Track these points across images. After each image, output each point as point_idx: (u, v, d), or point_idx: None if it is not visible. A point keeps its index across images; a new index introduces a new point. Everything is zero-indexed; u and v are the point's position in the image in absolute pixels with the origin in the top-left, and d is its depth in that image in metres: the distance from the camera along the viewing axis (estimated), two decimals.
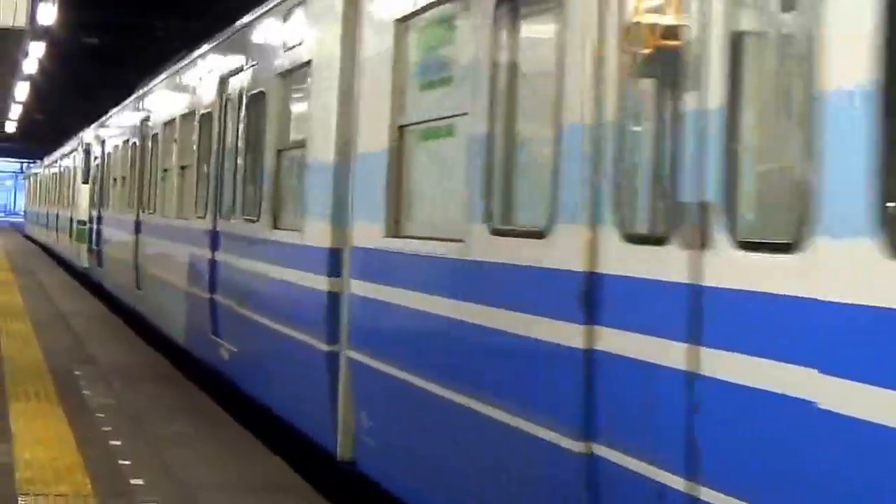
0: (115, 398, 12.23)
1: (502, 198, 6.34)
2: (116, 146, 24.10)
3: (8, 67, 30.62)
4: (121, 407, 11.73)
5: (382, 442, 7.94)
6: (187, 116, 15.79)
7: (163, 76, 18.92)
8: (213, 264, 13.07)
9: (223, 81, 13.37)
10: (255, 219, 11.24)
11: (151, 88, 20.07)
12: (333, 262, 8.76)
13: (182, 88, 16.62)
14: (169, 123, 17.55)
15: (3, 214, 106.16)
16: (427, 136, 7.74)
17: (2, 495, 8.10)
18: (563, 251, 5.50)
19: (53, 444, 9.70)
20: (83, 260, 29.10)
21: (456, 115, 6.97)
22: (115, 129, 24.96)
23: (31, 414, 10.96)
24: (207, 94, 14.24)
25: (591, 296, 5.27)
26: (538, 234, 5.75)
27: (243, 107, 12.28)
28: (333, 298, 8.74)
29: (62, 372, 13.66)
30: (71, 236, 33.03)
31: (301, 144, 10.04)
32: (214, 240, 13.12)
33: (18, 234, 65.01)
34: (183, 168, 16.10)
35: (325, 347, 8.80)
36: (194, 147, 15.01)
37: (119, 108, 24.90)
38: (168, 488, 8.55)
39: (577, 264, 5.35)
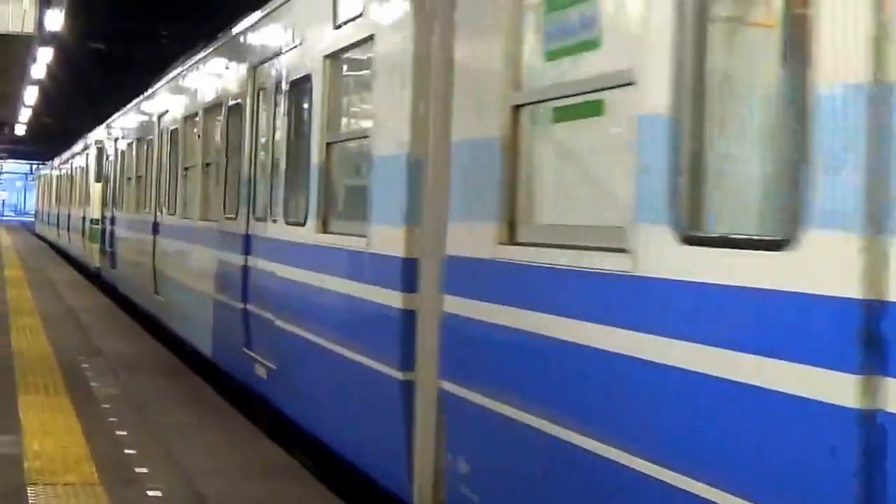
0: (122, 389, 11.89)
1: (695, 193, 4.35)
2: (131, 143, 21.92)
3: (17, 72, 30.50)
4: (127, 398, 11.43)
5: (491, 495, 5.92)
6: (212, 109, 13.79)
7: (182, 68, 16.75)
8: (245, 271, 11.12)
9: (255, 68, 11.33)
10: (300, 222, 9.22)
11: (169, 81, 17.87)
12: (409, 273, 6.83)
13: (205, 79, 14.48)
14: (190, 118, 15.41)
15: (13, 214, 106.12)
16: (559, 115, 5.65)
17: (11, 485, 7.86)
18: (822, 269, 3.61)
19: (61, 434, 9.50)
20: (95, 260, 27.46)
21: (611, 87, 5.03)
22: (129, 125, 22.70)
23: (40, 406, 10.70)
24: (236, 84, 12.22)
25: (874, 334, 3.41)
26: (773, 245, 3.82)
27: (281, 95, 10.23)
28: (409, 318, 6.81)
29: (70, 365, 13.28)
30: (84, 236, 31.29)
31: (361, 135, 8.19)
32: (247, 244, 11.18)
33: (28, 233, 64.90)
34: (208, 165, 14.02)
35: (398, 375, 6.89)
36: (221, 143, 13.02)
37: (134, 103, 22.75)
38: (172, 476, 8.33)
39: (850, 288, 3.48)
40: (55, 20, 22.02)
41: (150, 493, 7.88)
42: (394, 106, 7.20)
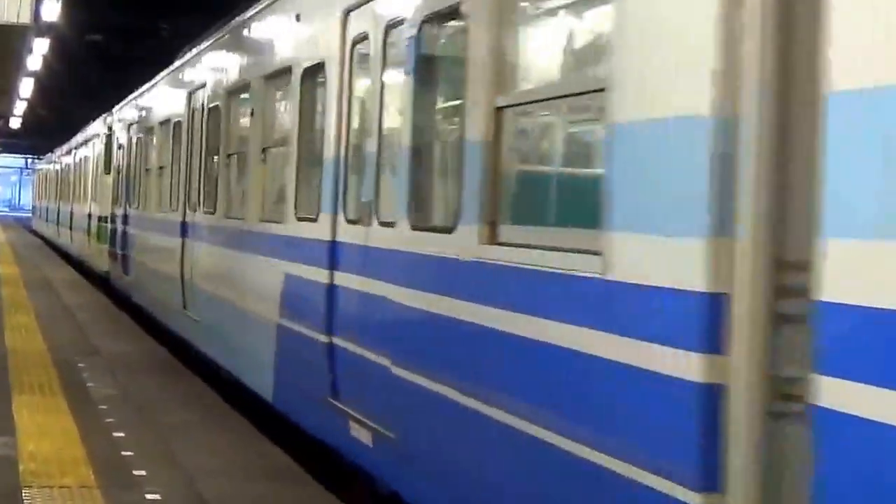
0: (119, 389, 11.83)
1: None
2: (151, 128, 19.07)
3: (13, 64, 30.52)
4: (124, 398, 11.37)
5: None
6: (272, 78, 11.04)
7: (223, 31, 13.82)
8: (331, 292, 8.56)
9: (349, 13, 8.53)
10: (445, 226, 6.56)
11: (205, 49, 14.82)
12: (714, 322, 4.15)
13: (261, 40, 11.76)
14: (236, 92, 12.62)
15: (7, 210, 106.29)
16: None
17: (5, 488, 7.80)
18: None
19: (57, 436, 9.43)
20: (104, 264, 24.97)
21: None
22: (148, 107, 19.87)
23: (35, 406, 10.64)
24: (315, 39, 9.50)
25: None
26: None
27: (398, 46, 7.56)
28: (711, 398, 4.14)
29: (66, 364, 13.24)
30: (89, 235, 29.05)
31: (580, 90, 5.52)
32: (333, 255, 8.60)
33: (24, 230, 64.90)
34: (265, 150, 11.28)
35: (693, 501, 4.19)
36: (289, 120, 10.26)
37: (154, 81, 19.63)
38: (171, 478, 8.29)
39: None
40: (52, 10, 22.00)
41: (148, 496, 7.83)
42: (667, 39, 4.52)
